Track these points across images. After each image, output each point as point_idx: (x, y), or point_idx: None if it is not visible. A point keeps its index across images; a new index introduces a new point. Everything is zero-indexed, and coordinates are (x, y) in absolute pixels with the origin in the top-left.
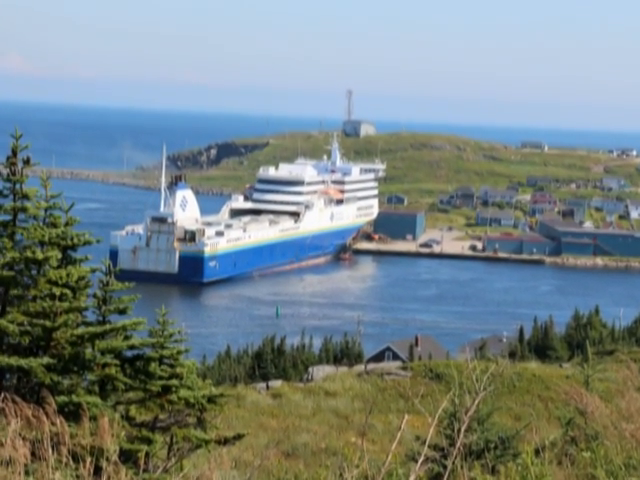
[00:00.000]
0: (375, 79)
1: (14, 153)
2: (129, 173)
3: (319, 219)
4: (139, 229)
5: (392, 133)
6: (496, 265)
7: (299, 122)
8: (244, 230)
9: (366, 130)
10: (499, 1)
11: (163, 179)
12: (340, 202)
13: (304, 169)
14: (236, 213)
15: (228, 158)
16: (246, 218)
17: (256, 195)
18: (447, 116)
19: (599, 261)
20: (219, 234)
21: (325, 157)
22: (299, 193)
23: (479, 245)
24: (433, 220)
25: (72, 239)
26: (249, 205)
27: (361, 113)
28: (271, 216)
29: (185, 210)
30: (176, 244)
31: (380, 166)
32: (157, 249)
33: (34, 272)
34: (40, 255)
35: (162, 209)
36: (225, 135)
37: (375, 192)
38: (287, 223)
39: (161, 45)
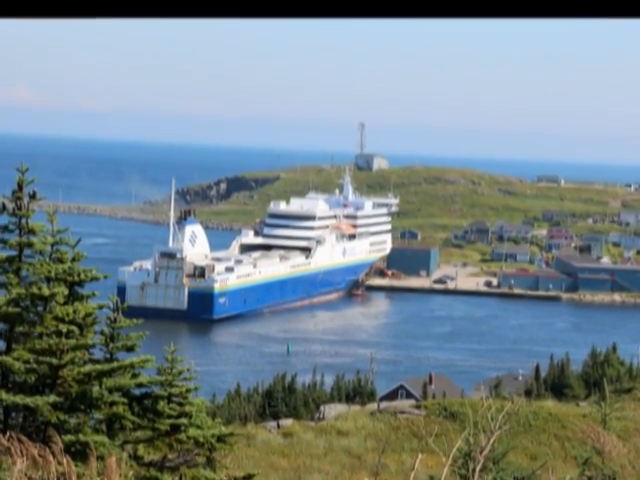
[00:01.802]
0: (388, 112)
1: (20, 187)
2: (137, 208)
3: (331, 255)
4: (147, 265)
5: (405, 167)
6: (511, 302)
7: (310, 155)
8: (254, 266)
9: (379, 164)
10: (514, 33)
11: (172, 214)
12: (352, 237)
13: (316, 204)
14: (246, 248)
15: (238, 192)
16: (256, 253)
17: (267, 230)
18: (461, 149)
19: (617, 297)
20: (229, 270)
21: (337, 191)
22: (310, 228)
23: (494, 281)
24: (447, 256)
25: (79, 275)
26: (259, 240)
27: (374, 146)
28: (282, 251)
29: (194, 245)
30: (185, 280)
31: (393, 200)
32: (166, 285)
33: (40, 308)
34: (46, 291)
35: (171, 244)
36: (234, 169)
37: (388, 227)
38: (298, 259)
39: (161, 76)
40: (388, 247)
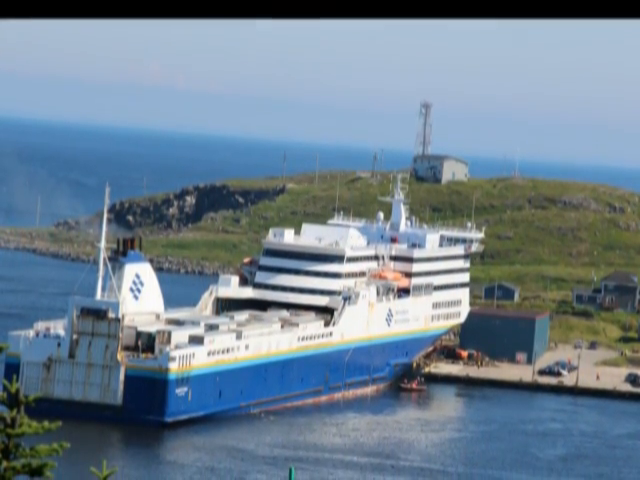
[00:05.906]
0: (465, 88)
1: None
2: (44, 232)
3: (367, 321)
4: (58, 328)
5: (497, 178)
6: None
7: (337, 154)
8: (238, 335)
9: (452, 171)
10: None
11: (102, 244)
12: (405, 293)
13: (344, 235)
14: (226, 306)
15: (215, 212)
16: (242, 315)
17: (260, 277)
18: (592, 151)
19: None
20: (195, 341)
21: (381, 215)
22: (335, 275)
23: None
24: (564, 329)
25: None
26: (248, 293)
27: (444, 143)
28: (285, 313)
29: (139, 298)
30: (121, 356)
31: (475, 234)
32: (88, 363)
33: None
34: None
35: (99, 295)
36: (211, 172)
37: (465, 278)
38: (313, 326)
39: None
40: (464, 312)
